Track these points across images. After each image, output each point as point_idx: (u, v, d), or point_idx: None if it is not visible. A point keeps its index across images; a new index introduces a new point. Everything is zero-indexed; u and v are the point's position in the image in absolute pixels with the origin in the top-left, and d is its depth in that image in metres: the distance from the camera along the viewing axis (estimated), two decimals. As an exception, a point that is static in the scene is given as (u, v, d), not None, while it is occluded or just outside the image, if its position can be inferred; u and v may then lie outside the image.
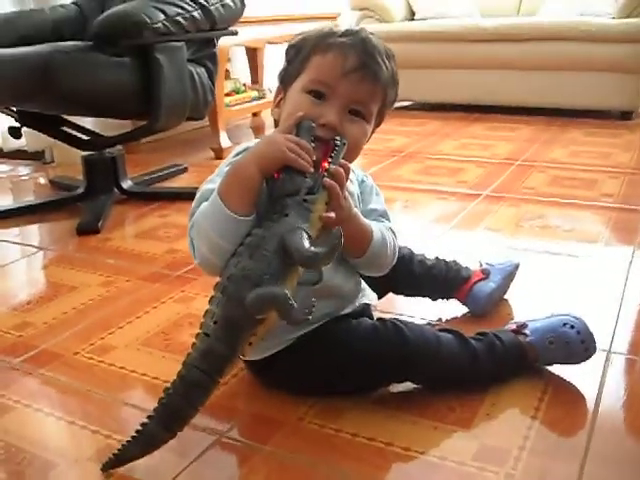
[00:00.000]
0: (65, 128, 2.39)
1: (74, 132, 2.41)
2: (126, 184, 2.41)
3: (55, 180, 2.70)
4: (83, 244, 2.00)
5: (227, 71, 3.47)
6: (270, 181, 0.99)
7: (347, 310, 1.20)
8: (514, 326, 1.23)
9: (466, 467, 0.98)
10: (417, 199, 2.34)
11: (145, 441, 0.97)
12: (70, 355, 1.34)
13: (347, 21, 4.03)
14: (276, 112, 1.17)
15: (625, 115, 3.53)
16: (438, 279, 1.43)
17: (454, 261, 1.49)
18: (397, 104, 3.64)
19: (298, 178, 0.97)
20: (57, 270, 1.82)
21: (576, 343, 1.18)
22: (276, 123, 1.19)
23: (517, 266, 1.51)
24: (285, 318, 0.92)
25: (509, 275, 1.49)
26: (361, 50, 1.08)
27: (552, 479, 0.96)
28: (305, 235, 0.93)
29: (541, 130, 3.34)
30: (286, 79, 1.15)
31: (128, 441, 0.97)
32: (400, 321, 1.16)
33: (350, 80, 1.07)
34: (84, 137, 2.42)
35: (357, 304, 1.22)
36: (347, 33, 1.11)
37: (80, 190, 2.37)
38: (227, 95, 3.24)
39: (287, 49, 1.17)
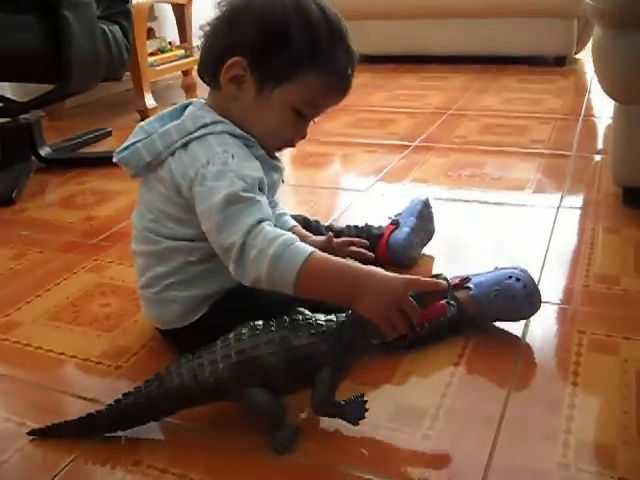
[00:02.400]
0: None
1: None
2: (44, 151, 2.30)
3: (-30, 150, 2.57)
4: (-4, 216, 1.90)
5: (151, 29, 3.35)
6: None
7: None
8: (457, 280, 1.19)
9: (381, 429, 0.95)
10: (345, 152, 2.29)
11: (86, 429, 0.96)
12: (-27, 334, 1.27)
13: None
14: (232, 89, 1.04)
15: (559, 61, 3.51)
16: None
17: (365, 224, 1.45)
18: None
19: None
20: (-34, 245, 1.73)
21: (522, 296, 1.14)
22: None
23: (425, 202, 1.47)
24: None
25: (420, 213, 1.44)
26: (352, 78, 1.08)
27: (469, 437, 0.93)
28: None
29: (474, 79, 3.30)
30: (265, 70, 1.03)
31: (67, 421, 0.96)
32: None
33: (336, 104, 1.11)
34: (-4, 104, 2.29)
35: None
36: (340, 46, 1.05)
37: (-5, 160, 2.25)
38: (151, 55, 3.12)
39: (265, 22, 1.02)
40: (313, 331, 0.92)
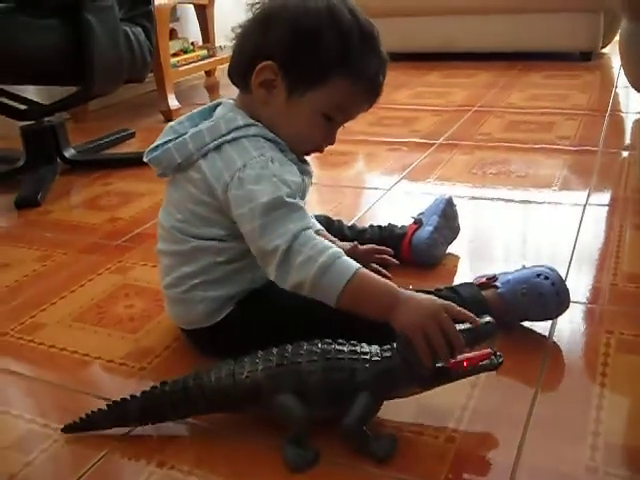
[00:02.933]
0: (0, 98, 2.28)
1: (10, 102, 2.30)
2: (69, 153, 2.31)
3: (-5, 153, 2.60)
4: (22, 218, 1.91)
5: (174, 30, 3.36)
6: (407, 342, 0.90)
7: None
8: (483, 279, 1.17)
9: (405, 432, 0.94)
10: (369, 151, 2.28)
11: (118, 417, 0.96)
12: (-2, 336, 1.28)
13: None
14: (262, 94, 1.04)
15: (585, 56, 3.46)
16: (373, 240, 1.37)
17: (388, 224, 1.44)
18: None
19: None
20: (-8, 247, 1.74)
21: (550, 295, 1.11)
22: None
23: (449, 200, 1.45)
24: None
25: (443, 212, 1.42)
26: (383, 84, 1.10)
27: (495, 440, 0.92)
28: None
29: (499, 75, 3.27)
30: (295, 74, 1.02)
31: (100, 409, 0.96)
32: None
33: (366, 110, 1.12)
34: (21, 107, 2.31)
35: None
36: (372, 51, 1.05)
37: (20, 162, 2.27)
38: (174, 55, 3.13)
39: (297, 26, 1.01)
40: (357, 355, 0.91)
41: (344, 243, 1.25)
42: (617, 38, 1.67)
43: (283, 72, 1.02)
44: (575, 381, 1.03)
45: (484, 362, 0.92)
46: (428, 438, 0.92)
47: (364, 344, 0.94)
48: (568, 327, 1.16)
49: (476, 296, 1.13)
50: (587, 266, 1.36)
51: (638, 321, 1.16)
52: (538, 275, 1.13)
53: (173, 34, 3.33)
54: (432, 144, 2.25)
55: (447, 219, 1.43)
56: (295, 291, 0.96)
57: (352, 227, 1.43)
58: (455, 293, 1.12)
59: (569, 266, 1.35)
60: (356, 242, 1.25)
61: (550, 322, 1.16)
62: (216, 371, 0.94)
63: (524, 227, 1.58)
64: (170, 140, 1.07)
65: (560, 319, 1.16)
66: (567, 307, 1.14)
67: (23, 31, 1.87)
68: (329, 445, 0.91)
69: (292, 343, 0.94)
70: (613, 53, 3.50)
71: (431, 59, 3.69)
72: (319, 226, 1.28)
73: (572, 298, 1.17)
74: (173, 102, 2.88)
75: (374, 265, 1.23)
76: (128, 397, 0.96)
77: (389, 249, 1.27)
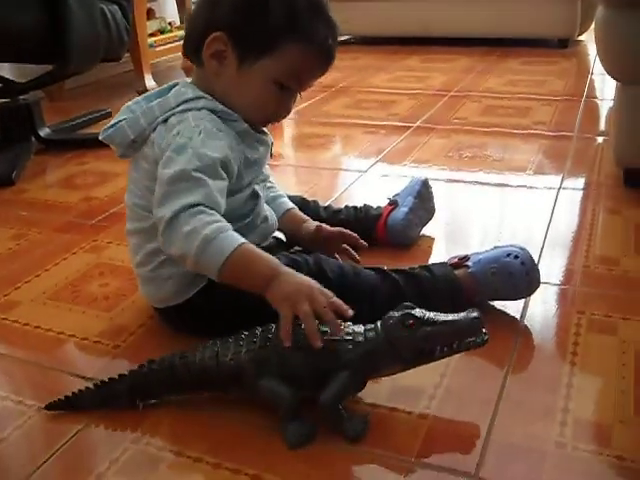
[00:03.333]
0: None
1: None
2: (44, 132, 2.29)
3: (-30, 132, 2.56)
4: (-4, 197, 1.90)
5: (151, 10, 3.33)
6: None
7: (262, 245, 1.15)
8: (456, 259, 1.18)
9: (380, 408, 0.95)
10: (346, 133, 2.28)
11: (105, 397, 0.96)
12: (-28, 314, 1.27)
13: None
14: (214, 65, 1.04)
15: (562, 43, 3.48)
16: (349, 221, 1.38)
17: (363, 204, 1.45)
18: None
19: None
20: (-35, 225, 1.72)
21: (520, 274, 1.12)
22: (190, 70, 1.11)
23: (424, 182, 1.46)
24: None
25: (419, 193, 1.43)
26: (334, 46, 1.07)
27: (467, 416, 0.93)
28: None
29: (477, 61, 3.28)
30: (244, 43, 1.03)
31: (87, 389, 0.96)
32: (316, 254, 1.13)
33: (319, 76, 1.10)
34: (-5, 84, 2.28)
35: (271, 238, 1.19)
36: (320, 16, 1.05)
37: (-6, 141, 2.24)
38: (151, 35, 3.10)
39: None
40: (342, 335, 0.91)
41: (312, 223, 1.26)
42: (593, 26, 1.68)
43: (232, 42, 1.03)
44: (546, 360, 1.05)
45: (470, 339, 0.91)
46: (401, 414, 0.93)
47: (349, 323, 0.94)
48: (540, 308, 1.17)
49: (448, 275, 1.14)
50: (560, 248, 1.38)
51: (609, 302, 1.18)
52: (508, 254, 1.14)
53: (150, 14, 3.30)
54: (409, 127, 2.26)
55: (422, 200, 1.43)
56: (180, 262, 0.98)
57: (327, 208, 1.43)
58: (428, 271, 1.14)
59: (542, 248, 1.37)
60: (321, 224, 1.25)
61: (522, 303, 1.17)
62: (201, 351, 0.94)
63: (499, 210, 1.60)
64: (125, 119, 1.07)
65: (532, 300, 1.18)
66: (537, 286, 1.15)
67: (-2, 7, 1.85)
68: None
69: (275, 322, 0.94)
70: (589, 40, 3.52)
71: (410, 44, 3.68)
72: (290, 204, 1.28)
73: (545, 279, 1.19)
74: (150, 82, 2.86)
75: (344, 246, 1.24)
76: (115, 377, 0.96)
77: (355, 234, 1.26)
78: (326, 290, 0.94)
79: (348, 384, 0.90)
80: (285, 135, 2.38)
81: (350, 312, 0.91)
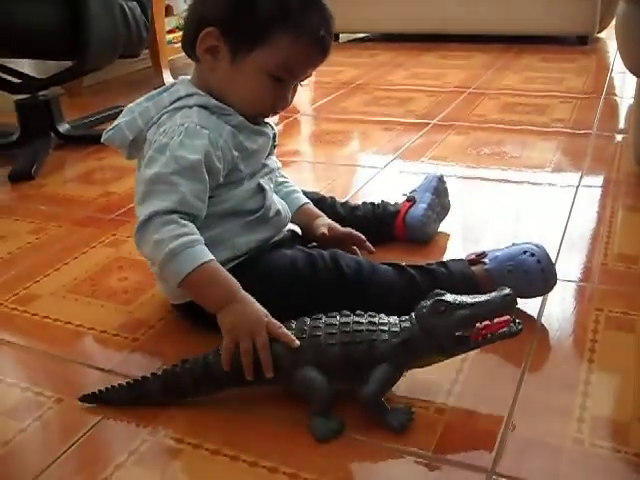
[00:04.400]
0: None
1: (4, 75, 2.28)
2: (63, 128, 2.31)
3: (-10, 127, 2.58)
4: (16, 191, 1.91)
5: (170, 7, 3.34)
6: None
7: (277, 238, 1.16)
8: (473, 256, 1.18)
9: (396, 403, 0.95)
10: (364, 130, 2.28)
11: (138, 394, 0.96)
12: (-8, 307, 1.28)
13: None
14: (209, 60, 1.05)
15: (581, 40, 3.46)
16: (366, 218, 1.39)
17: (381, 201, 1.45)
18: (350, 36, 3.60)
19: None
20: (-15, 220, 1.74)
21: (535, 272, 1.12)
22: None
23: (440, 177, 1.46)
24: None
25: (436, 189, 1.43)
26: (328, 37, 1.06)
27: (484, 412, 0.93)
28: None
29: (495, 58, 3.27)
30: (236, 36, 1.03)
31: (120, 385, 0.96)
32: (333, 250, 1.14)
33: (314, 66, 1.09)
34: (15, 80, 2.29)
35: (285, 231, 1.19)
36: (312, 7, 1.04)
37: (14, 136, 2.26)
38: (169, 32, 3.12)
39: None
40: (375, 326, 0.92)
41: (328, 222, 1.26)
42: (613, 22, 1.66)
43: (225, 36, 1.03)
44: (564, 357, 1.04)
45: (503, 329, 0.92)
46: (419, 410, 0.93)
47: (382, 315, 0.95)
48: (558, 305, 1.17)
49: (464, 271, 1.14)
50: (578, 246, 1.37)
51: (627, 299, 1.17)
52: (524, 252, 1.14)
53: (169, 11, 3.31)
54: (427, 124, 2.26)
55: (439, 196, 1.43)
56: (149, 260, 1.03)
57: (345, 204, 1.43)
58: (444, 267, 1.14)
59: (560, 245, 1.36)
60: (331, 223, 1.24)
61: (540, 301, 1.17)
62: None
63: (517, 207, 1.59)
64: (124, 120, 1.09)
65: (550, 297, 1.17)
66: (554, 284, 1.15)
67: (19, 3, 1.86)
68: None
69: (310, 316, 0.95)
70: (609, 38, 3.50)
71: (428, 41, 3.68)
72: (304, 199, 1.28)
73: (563, 277, 1.19)
74: (168, 78, 2.88)
75: (353, 247, 1.24)
76: (148, 375, 0.96)
77: (362, 236, 1.25)
78: (274, 321, 0.94)
79: (390, 376, 0.91)
80: (302, 131, 2.38)
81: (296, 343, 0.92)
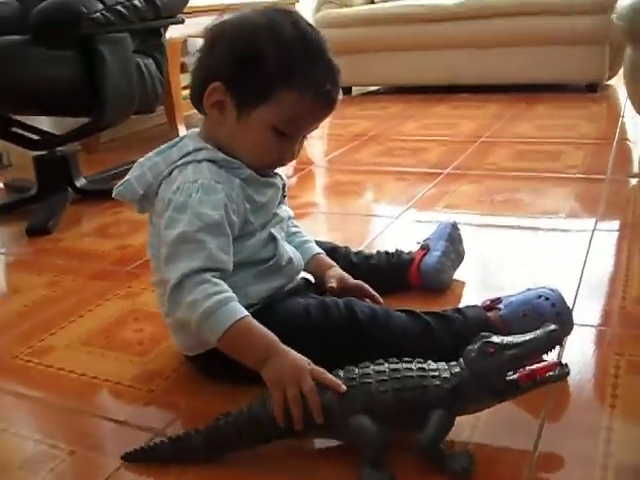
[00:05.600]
0: (15, 129, 2.32)
1: (23, 132, 2.33)
2: (80, 183, 2.34)
3: (9, 183, 2.63)
4: (33, 246, 1.93)
5: (185, 64, 3.41)
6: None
7: (290, 286, 1.16)
8: (488, 302, 1.17)
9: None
10: (377, 181, 2.29)
11: (182, 449, 0.94)
12: (8, 359, 1.28)
13: (307, 6, 3.97)
14: (216, 115, 1.06)
15: (591, 87, 3.49)
16: (381, 266, 1.39)
17: (395, 249, 1.44)
18: (361, 89, 3.65)
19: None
20: (1, 273, 1.76)
21: (550, 315, 1.10)
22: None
23: (454, 225, 1.46)
24: None
25: (450, 236, 1.43)
26: (334, 91, 1.07)
27: (504, 462, 0.91)
28: None
29: (506, 107, 3.29)
30: (241, 92, 1.04)
31: (162, 441, 0.95)
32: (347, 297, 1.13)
33: (319, 120, 1.09)
34: (34, 137, 2.34)
35: (298, 279, 1.19)
36: (317, 62, 1.04)
37: (32, 191, 2.29)
38: (185, 88, 3.17)
39: (238, 46, 1.03)
40: (425, 372, 0.91)
41: (339, 273, 1.25)
42: (622, 69, 1.68)
43: (230, 92, 1.04)
44: (585, 402, 1.02)
45: (552, 373, 0.91)
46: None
47: (430, 361, 0.94)
48: (577, 350, 1.15)
49: (480, 316, 1.13)
50: (596, 290, 1.36)
51: (647, 343, 1.15)
52: (539, 296, 1.13)
53: (184, 67, 3.38)
54: (440, 174, 2.27)
55: (454, 243, 1.43)
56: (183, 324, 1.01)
57: (359, 253, 1.43)
58: (459, 313, 1.13)
59: (577, 290, 1.35)
60: (333, 284, 1.21)
61: (559, 346, 1.15)
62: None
63: (532, 253, 1.58)
64: (134, 175, 1.10)
65: (569, 342, 1.16)
66: (570, 328, 1.13)
67: (37, 62, 1.91)
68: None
69: (356, 365, 0.94)
70: (619, 85, 3.52)
71: (439, 92, 3.73)
72: (317, 249, 1.28)
73: (581, 321, 1.17)
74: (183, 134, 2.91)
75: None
76: (191, 431, 0.94)
77: (372, 291, 1.23)
78: (318, 368, 0.94)
79: (445, 422, 0.89)
80: (317, 183, 2.40)
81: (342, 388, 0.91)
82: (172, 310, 1.00)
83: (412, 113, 3.33)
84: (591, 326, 1.23)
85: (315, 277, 1.26)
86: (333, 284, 1.21)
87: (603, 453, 0.90)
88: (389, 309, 1.13)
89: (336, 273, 1.24)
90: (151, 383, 1.15)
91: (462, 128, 2.93)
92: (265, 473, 0.92)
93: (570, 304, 1.19)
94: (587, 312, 1.26)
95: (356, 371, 0.93)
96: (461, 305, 1.26)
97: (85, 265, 1.72)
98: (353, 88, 3.97)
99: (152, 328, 1.34)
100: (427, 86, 3.80)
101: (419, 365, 0.92)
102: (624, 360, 1.11)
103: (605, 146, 2.44)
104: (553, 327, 0.91)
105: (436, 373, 0.91)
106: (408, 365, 0.92)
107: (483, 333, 0.93)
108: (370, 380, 0.91)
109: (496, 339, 0.90)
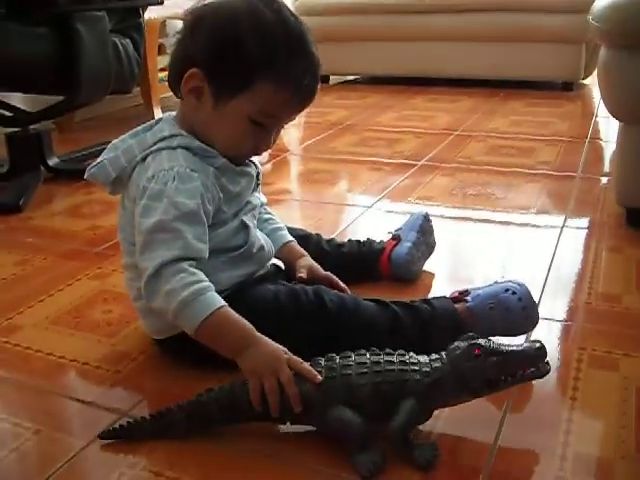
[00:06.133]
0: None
1: (-5, 109, 2.30)
2: (53, 161, 2.31)
3: (-21, 160, 2.59)
4: (3, 223, 1.90)
5: (162, 46, 3.38)
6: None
7: (260, 273, 1.16)
8: (456, 293, 1.19)
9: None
10: (351, 170, 2.30)
11: (164, 425, 0.95)
12: (-26, 337, 1.27)
13: (287, -6, 3.95)
14: (192, 100, 1.04)
15: (566, 86, 3.53)
16: (352, 255, 1.40)
17: (366, 238, 1.45)
18: (339, 79, 3.64)
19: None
20: (-30, 251, 1.74)
21: (517, 310, 1.12)
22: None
23: (425, 216, 1.47)
24: None
25: (421, 227, 1.44)
26: (313, 85, 1.06)
27: (466, 449, 0.93)
28: None
29: (482, 102, 3.32)
30: (219, 81, 1.02)
31: (143, 418, 0.95)
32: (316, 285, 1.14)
33: (297, 113, 1.09)
34: (6, 113, 2.31)
35: (269, 266, 1.19)
36: (298, 53, 1.02)
37: (4, 169, 2.26)
38: (162, 70, 3.14)
39: (218, 32, 1.01)
40: (406, 365, 0.92)
41: (309, 263, 1.25)
42: (596, 69, 1.70)
43: (209, 79, 1.03)
44: (547, 395, 1.04)
45: (532, 370, 0.93)
46: (400, 445, 0.93)
47: (412, 353, 0.95)
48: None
49: (447, 308, 1.14)
50: (563, 285, 1.38)
51: (610, 338, 1.18)
52: (506, 290, 1.14)
53: (162, 49, 3.35)
54: (414, 165, 2.28)
55: (425, 235, 1.44)
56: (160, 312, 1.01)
57: (330, 241, 1.43)
58: (427, 304, 1.14)
59: (544, 285, 1.37)
60: (302, 274, 1.22)
61: (524, 339, 1.17)
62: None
63: (502, 247, 1.60)
64: (107, 158, 1.09)
65: (534, 336, 1.17)
66: (536, 322, 1.15)
67: (12, 38, 1.89)
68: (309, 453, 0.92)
69: (338, 353, 0.95)
70: (594, 84, 3.56)
71: (416, 84, 3.74)
72: (289, 237, 1.28)
73: (547, 316, 1.20)
74: (159, 116, 2.89)
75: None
76: (173, 407, 0.95)
77: (342, 284, 1.23)
78: (295, 358, 0.95)
79: (416, 412, 0.90)
80: (292, 170, 2.40)
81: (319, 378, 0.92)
82: (149, 299, 1.00)
83: (389, 104, 3.34)
84: (556, 320, 1.25)
85: (285, 265, 1.26)
86: (303, 274, 1.21)
87: (563, 443, 0.92)
88: (358, 298, 1.14)
89: (306, 263, 1.25)
90: (119, 364, 1.15)
91: (437, 121, 2.94)
92: (231, 452, 0.92)
93: (537, 298, 1.21)
94: (553, 307, 1.29)
95: (337, 361, 0.93)
96: (430, 296, 1.28)
97: (56, 244, 1.71)
98: (331, 77, 3.97)
99: (121, 309, 1.34)
100: (405, 77, 3.81)
101: (400, 358, 0.93)
102: (586, 354, 1.13)
103: (578, 144, 2.48)
104: (540, 344, 0.93)
105: (417, 367, 0.92)
106: (390, 358, 0.93)
107: (470, 334, 0.94)
108: (350, 372, 0.91)
109: (483, 343, 0.91)
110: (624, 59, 1.47)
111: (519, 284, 1.15)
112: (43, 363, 1.17)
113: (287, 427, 0.96)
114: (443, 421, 0.97)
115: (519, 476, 0.87)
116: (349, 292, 1.23)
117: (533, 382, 1.06)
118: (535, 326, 1.15)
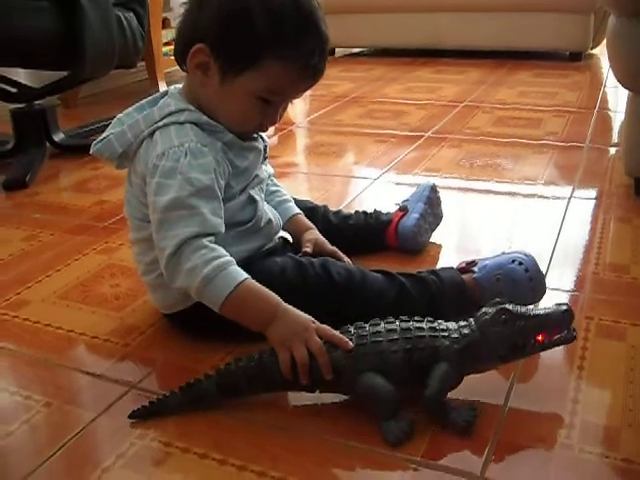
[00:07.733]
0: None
1: (0, 84, 2.29)
2: (58, 137, 2.31)
3: (-15, 136, 2.59)
4: (10, 200, 1.91)
5: (166, 20, 3.36)
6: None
7: (268, 246, 1.16)
8: (463, 264, 1.19)
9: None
10: (358, 142, 2.29)
11: (195, 396, 0.95)
12: (-17, 312, 1.28)
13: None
14: (199, 76, 1.02)
15: (574, 56, 3.49)
16: (359, 226, 1.39)
17: (374, 210, 1.45)
18: (345, 51, 3.63)
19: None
20: (-22, 227, 1.74)
21: (524, 280, 1.12)
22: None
23: (433, 187, 1.47)
24: None
25: (428, 199, 1.44)
26: (321, 63, 1.04)
27: (471, 415, 0.93)
28: None
29: (489, 73, 3.29)
30: (227, 57, 1.00)
31: (172, 392, 0.95)
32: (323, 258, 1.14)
33: (304, 90, 1.09)
34: (11, 89, 2.30)
35: (277, 239, 1.19)
36: (307, 30, 1.00)
37: (9, 145, 2.26)
38: (166, 44, 3.13)
39: (226, 5, 0.99)
40: (436, 332, 0.93)
41: (315, 236, 1.25)
42: (605, 39, 1.68)
43: (215, 55, 1.01)
44: (554, 364, 1.04)
45: (559, 336, 0.93)
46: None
47: (441, 321, 0.95)
48: (549, 313, 1.17)
49: (454, 278, 1.14)
50: (570, 256, 1.38)
51: (618, 308, 1.17)
52: (513, 261, 1.14)
53: (166, 23, 3.33)
54: (421, 137, 2.27)
55: (432, 206, 1.44)
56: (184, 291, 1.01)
57: (337, 213, 1.43)
58: (434, 275, 1.14)
59: (552, 255, 1.37)
60: (319, 239, 1.23)
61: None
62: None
63: (510, 218, 1.60)
64: (113, 133, 1.08)
65: (542, 306, 1.17)
66: (543, 293, 1.15)
67: (16, 11, 1.87)
68: (319, 424, 0.92)
69: (368, 321, 0.95)
70: (602, 54, 3.53)
71: (423, 55, 3.71)
72: (296, 210, 1.28)
73: (555, 286, 1.20)
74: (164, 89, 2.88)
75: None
76: (201, 377, 0.95)
77: (347, 259, 1.22)
78: (323, 326, 0.95)
79: (450, 376, 0.91)
80: (298, 143, 2.39)
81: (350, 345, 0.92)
82: (171, 280, 0.99)
83: (395, 76, 3.31)
84: (564, 291, 1.25)
85: (293, 237, 1.26)
86: (308, 249, 1.20)
87: (570, 412, 0.92)
88: (365, 270, 1.14)
89: (313, 236, 1.24)
90: (127, 337, 1.16)
91: (444, 92, 2.92)
92: (240, 422, 0.93)
93: (544, 269, 1.21)
94: (561, 277, 1.29)
95: (367, 329, 0.94)
96: (437, 267, 1.28)
97: (63, 219, 1.71)
98: (337, 49, 3.93)
99: (129, 283, 1.35)
100: (411, 49, 3.78)
101: (430, 325, 0.94)
102: (594, 324, 1.13)
103: (586, 115, 2.46)
104: (566, 307, 0.92)
105: (446, 333, 0.92)
106: (419, 324, 0.93)
107: (498, 299, 0.95)
108: (381, 339, 0.92)
109: (511, 307, 0.92)
110: (634, 27, 1.45)
111: (526, 255, 1.15)
112: (52, 337, 1.18)
113: (298, 400, 0.97)
114: (450, 392, 0.97)
115: (527, 444, 0.87)
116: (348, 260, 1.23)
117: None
118: (542, 297, 1.15)
